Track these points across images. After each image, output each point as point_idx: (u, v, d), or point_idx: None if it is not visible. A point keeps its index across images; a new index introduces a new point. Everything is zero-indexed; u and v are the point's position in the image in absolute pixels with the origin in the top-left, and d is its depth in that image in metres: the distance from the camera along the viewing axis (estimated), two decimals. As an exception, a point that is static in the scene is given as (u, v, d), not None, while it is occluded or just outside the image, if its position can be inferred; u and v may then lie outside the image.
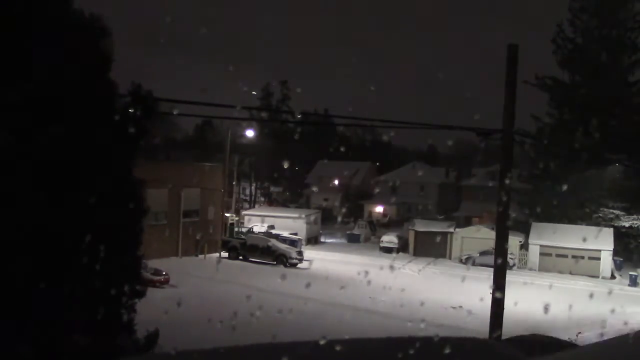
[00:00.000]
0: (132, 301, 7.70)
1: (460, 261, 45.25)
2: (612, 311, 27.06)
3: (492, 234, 11.13)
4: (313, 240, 52.05)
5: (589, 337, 20.82)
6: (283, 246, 40.15)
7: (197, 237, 39.97)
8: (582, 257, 42.57)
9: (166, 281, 27.98)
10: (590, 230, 43.67)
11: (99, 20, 7.43)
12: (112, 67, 7.56)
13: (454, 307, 27.71)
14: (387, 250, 48.71)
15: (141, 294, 7.81)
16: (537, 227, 45.44)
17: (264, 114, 61.20)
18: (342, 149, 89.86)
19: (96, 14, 7.37)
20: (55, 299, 6.70)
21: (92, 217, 7.05)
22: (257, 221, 50.87)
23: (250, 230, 47.98)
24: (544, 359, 2.25)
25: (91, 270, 7.11)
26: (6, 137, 6.48)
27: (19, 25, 6.75)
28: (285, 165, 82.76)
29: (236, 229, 48.01)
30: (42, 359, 6.68)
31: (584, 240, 41.48)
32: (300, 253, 39.90)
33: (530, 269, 43.32)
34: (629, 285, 39.36)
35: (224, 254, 40.14)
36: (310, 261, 40.05)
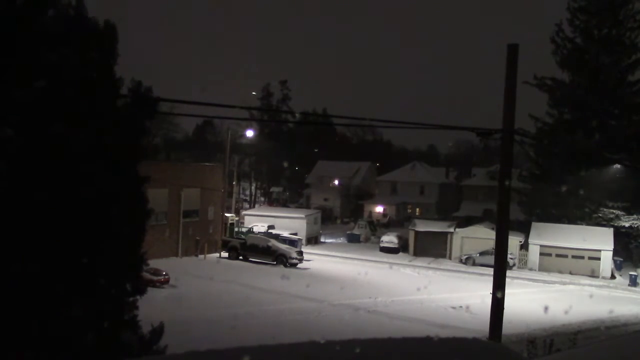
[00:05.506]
0: (134, 297, 7.72)
1: (460, 261, 45.26)
2: (611, 311, 27.08)
3: (492, 234, 11.14)
4: (313, 240, 52.02)
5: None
6: (283, 246, 40.12)
7: (197, 237, 39.99)
8: (582, 257, 42.56)
9: (166, 281, 27.98)
10: (590, 230, 43.72)
11: (105, 19, 7.47)
12: (116, 65, 7.59)
13: (454, 307, 27.71)
14: (387, 250, 48.61)
15: (142, 291, 7.83)
16: (537, 227, 45.41)
17: (264, 114, 61.17)
18: (342, 149, 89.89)
19: (96, 16, 7.41)
20: (57, 298, 6.71)
21: (96, 215, 7.07)
22: (257, 221, 50.81)
23: (250, 230, 47.95)
24: (544, 359, 2.26)
25: (94, 269, 7.13)
26: (11, 135, 6.49)
27: (25, 25, 6.78)
28: (285, 165, 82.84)
29: (236, 229, 47.96)
30: (43, 358, 6.69)
31: (584, 240, 41.52)
32: (300, 253, 39.86)
33: (530, 269, 43.30)
34: (629, 285, 39.37)
35: (224, 254, 40.13)
36: (310, 261, 40.09)
